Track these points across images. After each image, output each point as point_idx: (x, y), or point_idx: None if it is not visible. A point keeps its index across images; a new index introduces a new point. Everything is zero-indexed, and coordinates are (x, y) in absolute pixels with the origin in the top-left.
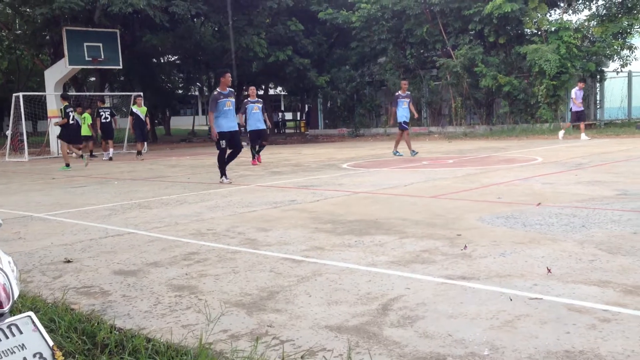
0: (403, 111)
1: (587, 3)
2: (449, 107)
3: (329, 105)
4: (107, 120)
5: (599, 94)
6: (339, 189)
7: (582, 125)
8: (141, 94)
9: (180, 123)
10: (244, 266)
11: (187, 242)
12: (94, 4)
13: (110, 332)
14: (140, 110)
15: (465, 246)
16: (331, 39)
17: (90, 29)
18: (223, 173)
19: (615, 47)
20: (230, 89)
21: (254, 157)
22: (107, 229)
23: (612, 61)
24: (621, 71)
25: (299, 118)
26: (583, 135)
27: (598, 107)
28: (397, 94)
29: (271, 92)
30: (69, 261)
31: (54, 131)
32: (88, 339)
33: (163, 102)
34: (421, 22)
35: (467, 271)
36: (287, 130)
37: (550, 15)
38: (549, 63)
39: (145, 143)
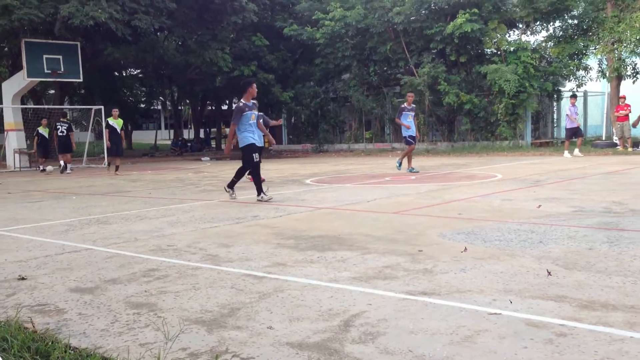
0: (411, 124)
1: (545, 24)
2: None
3: (293, 120)
4: (64, 135)
5: (555, 113)
6: (302, 204)
7: (579, 141)
8: (101, 107)
9: (142, 137)
10: (205, 283)
11: (147, 258)
12: (54, 16)
13: (65, 352)
14: (117, 122)
15: (465, 248)
16: (296, 55)
17: (50, 41)
18: (260, 189)
19: (572, 67)
20: (254, 101)
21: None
22: (63, 245)
23: (569, 81)
24: (577, 91)
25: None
26: (577, 151)
27: (555, 125)
28: (402, 106)
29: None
30: (23, 278)
31: (10, 145)
32: (42, 359)
33: (125, 115)
34: (384, 40)
35: (428, 287)
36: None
37: (509, 36)
38: (509, 83)
39: (106, 158)
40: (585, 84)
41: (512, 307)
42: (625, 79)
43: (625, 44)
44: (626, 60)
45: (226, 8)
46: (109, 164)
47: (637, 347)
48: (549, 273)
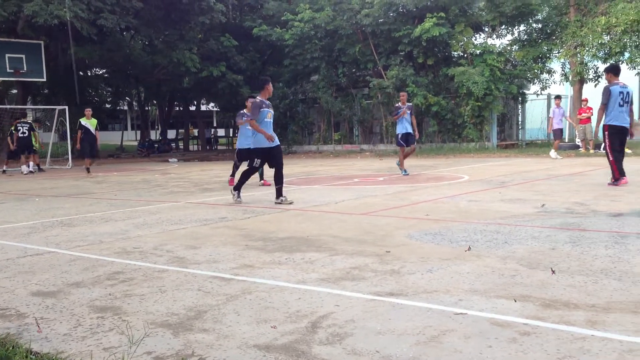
0: (404, 123)
1: (510, 28)
2: (380, 125)
3: None
4: (25, 135)
5: (520, 115)
6: (270, 205)
7: (556, 142)
8: (65, 107)
9: (107, 138)
10: (171, 285)
11: (112, 261)
12: (17, 15)
13: (26, 357)
14: (90, 122)
15: (469, 247)
16: (264, 56)
17: (13, 40)
18: (239, 189)
19: (536, 70)
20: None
21: (233, 175)
22: (25, 248)
23: (533, 84)
24: (541, 94)
25: (231, 134)
26: (553, 153)
27: (520, 127)
28: (396, 105)
29: (203, 107)
30: None
31: None
32: None
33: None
34: (353, 42)
35: (396, 287)
36: (220, 147)
37: (475, 39)
38: (477, 85)
39: (70, 159)
40: (549, 87)
41: (477, 307)
42: (587, 82)
43: (587, 48)
44: (588, 64)
45: (194, 8)
46: (88, 169)
47: (597, 345)
48: (553, 272)
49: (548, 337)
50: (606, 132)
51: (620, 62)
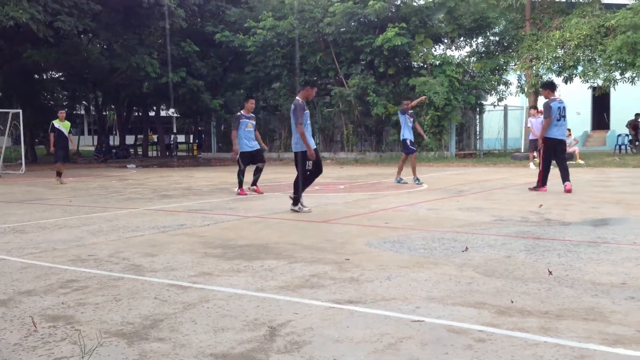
0: (408, 129)
1: (468, 40)
2: (341, 133)
3: (222, 128)
4: None
5: (478, 125)
6: (230, 213)
7: (532, 154)
8: (19, 111)
9: None
10: (127, 293)
11: (66, 269)
12: None
13: None
14: (64, 125)
15: (466, 247)
16: (226, 63)
17: None
18: (298, 199)
19: (493, 82)
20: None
21: (241, 186)
22: None
23: (490, 95)
24: (498, 105)
25: (191, 141)
26: (532, 164)
27: (478, 137)
28: (403, 105)
29: (163, 113)
30: None
31: None
32: None
33: (45, 120)
34: (315, 50)
35: (354, 295)
36: (180, 153)
37: (435, 50)
38: (438, 95)
39: (24, 164)
40: (505, 98)
41: (434, 314)
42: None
43: (542, 61)
44: (543, 76)
45: (154, 12)
46: (58, 174)
47: (550, 352)
48: (550, 272)
49: (503, 344)
50: (543, 144)
51: (574, 76)
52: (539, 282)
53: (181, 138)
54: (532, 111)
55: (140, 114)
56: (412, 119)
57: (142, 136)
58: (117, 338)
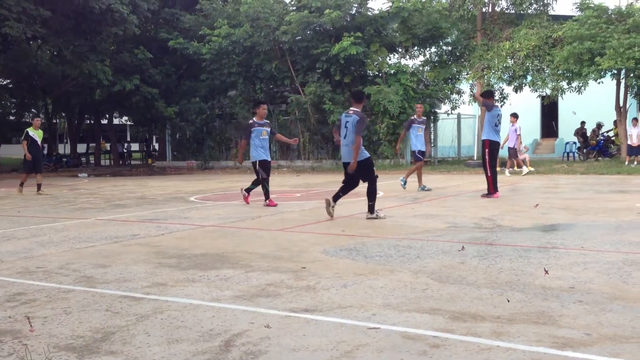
0: (418, 139)
1: (422, 50)
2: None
3: (177, 136)
4: None
5: (432, 133)
6: (186, 222)
7: (509, 162)
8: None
9: (12, 152)
10: (77, 306)
11: (13, 281)
12: None
13: None
14: (37, 133)
15: (463, 247)
16: (181, 70)
17: None
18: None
19: (446, 91)
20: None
21: (269, 196)
22: None
23: (444, 104)
24: (451, 113)
25: (145, 149)
26: (507, 172)
27: (432, 145)
28: (411, 118)
29: (116, 121)
30: None
31: None
32: None
33: None
34: (271, 58)
35: (311, 303)
36: (133, 162)
37: (389, 59)
38: (392, 103)
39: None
40: (458, 107)
41: (390, 321)
42: None
43: (493, 71)
44: (494, 85)
45: (106, 19)
46: (21, 184)
47: (502, 355)
48: (546, 272)
49: (456, 349)
50: (487, 149)
51: (524, 85)
52: (492, 287)
53: (135, 146)
54: (512, 119)
55: (92, 121)
56: (422, 127)
57: (94, 144)
58: (67, 352)
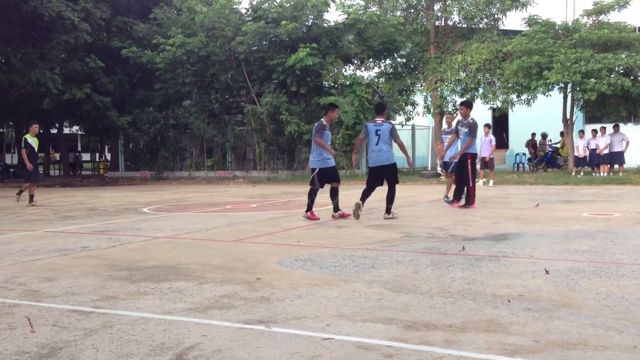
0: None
1: (377, 62)
2: (253, 152)
3: (130, 146)
4: None
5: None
6: (138, 233)
7: (482, 172)
8: None
9: None
10: (23, 321)
11: None
12: None
13: None
14: (35, 141)
15: (463, 247)
16: (134, 79)
17: None
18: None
19: (401, 102)
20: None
21: (311, 208)
22: None
23: (399, 115)
24: (406, 124)
25: (97, 159)
26: (482, 182)
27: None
28: (442, 129)
29: (66, 130)
30: None
31: None
32: None
33: None
34: (226, 68)
35: (265, 315)
36: (85, 172)
37: (345, 71)
38: (347, 114)
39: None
40: (412, 118)
41: (344, 332)
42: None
43: (446, 83)
44: (447, 97)
45: (56, 26)
46: (20, 192)
47: None
48: (547, 272)
49: (409, 358)
50: (469, 160)
51: (475, 97)
52: (444, 296)
53: (86, 156)
54: (486, 129)
55: (42, 131)
56: (449, 137)
57: (43, 154)
58: None
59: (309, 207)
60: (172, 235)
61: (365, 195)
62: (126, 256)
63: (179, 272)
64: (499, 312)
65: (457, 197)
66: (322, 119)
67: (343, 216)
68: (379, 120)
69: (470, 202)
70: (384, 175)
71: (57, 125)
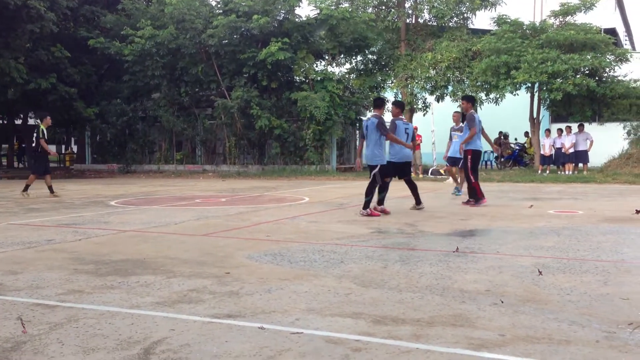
0: (454, 145)
1: (348, 58)
2: (223, 146)
3: (98, 139)
4: None
5: (358, 140)
6: (105, 227)
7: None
8: None
9: None
10: None
11: None
12: None
13: None
14: (47, 131)
15: (457, 248)
16: (102, 70)
17: None
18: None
19: (371, 98)
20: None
21: (368, 206)
22: None
23: (370, 111)
24: None
25: (63, 151)
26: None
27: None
28: (451, 127)
29: (31, 121)
30: None
31: None
32: None
33: None
34: (196, 61)
35: (234, 309)
36: (51, 165)
37: (316, 66)
38: (319, 109)
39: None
40: (383, 115)
41: (313, 326)
42: (417, 112)
43: (416, 80)
44: (417, 94)
45: (21, 15)
46: (28, 186)
47: (421, 357)
48: (540, 272)
49: (377, 352)
50: (470, 156)
51: (445, 95)
52: (412, 291)
53: (52, 147)
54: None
55: (6, 121)
56: (458, 133)
57: (7, 145)
58: None
59: (367, 204)
60: (140, 229)
61: (385, 192)
62: (92, 250)
63: (146, 266)
64: (466, 307)
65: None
66: (375, 114)
67: (385, 211)
68: (370, 114)
69: (478, 196)
70: (403, 170)
71: (21, 115)
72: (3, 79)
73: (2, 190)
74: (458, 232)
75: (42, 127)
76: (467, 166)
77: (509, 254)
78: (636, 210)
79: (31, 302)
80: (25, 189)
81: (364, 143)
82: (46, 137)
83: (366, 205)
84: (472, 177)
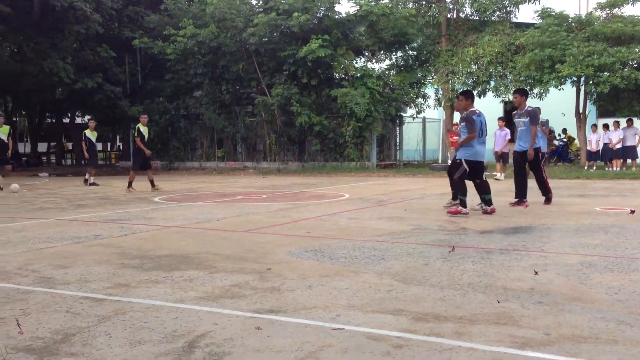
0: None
1: (388, 54)
2: (263, 143)
3: None
4: None
5: (398, 136)
6: (149, 223)
7: (505, 166)
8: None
9: None
10: (36, 307)
11: None
12: None
13: None
14: (93, 135)
15: (453, 248)
16: (145, 70)
17: None
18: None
19: (412, 95)
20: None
21: (465, 204)
22: None
23: (410, 107)
24: (417, 117)
25: (109, 149)
26: (502, 176)
27: (398, 148)
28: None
29: (79, 120)
30: None
31: None
32: None
33: None
34: (237, 59)
35: (275, 304)
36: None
37: (356, 63)
38: (359, 106)
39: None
40: (424, 111)
41: (354, 322)
42: None
43: (457, 76)
44: (458, 90)
45: (68, 16)
46: (86, 180)
47: (464, 355)
48: (536, 273)
49: (419, 349)
50: (539, 154)
51: (487, 90)
52: (454, 288)
53: (98, 146)
54: (500, 122)
55: (54, 120)
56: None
57: (55, 143)
58: (25, 354)
59: (464, 202)
60: (183, 225)
61: (465, 191)
62: (138, 245)
63: (190, 261)
64: (509, 304)
65: (521, 195)
66: (476, 109)
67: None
68: (477, 110)
69: (548, 193)
70: (478, 170)
71: (69, 114)
72: (51, 79)
73: (52, 187)
74: (501, 230)
75: (138, 126)
76: (540, 165)
77: (553, 251)
78: (631, 210)
79: (80, 296)
80: (129, 185)
81: (472, 138)
82: (144, 136)
83: (463, 204)
84: (544, 175)
